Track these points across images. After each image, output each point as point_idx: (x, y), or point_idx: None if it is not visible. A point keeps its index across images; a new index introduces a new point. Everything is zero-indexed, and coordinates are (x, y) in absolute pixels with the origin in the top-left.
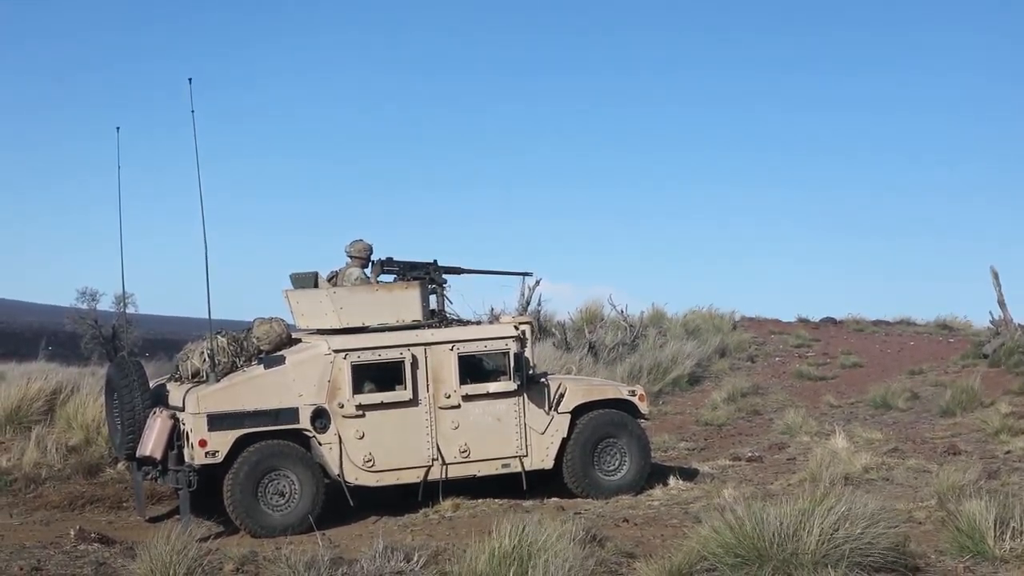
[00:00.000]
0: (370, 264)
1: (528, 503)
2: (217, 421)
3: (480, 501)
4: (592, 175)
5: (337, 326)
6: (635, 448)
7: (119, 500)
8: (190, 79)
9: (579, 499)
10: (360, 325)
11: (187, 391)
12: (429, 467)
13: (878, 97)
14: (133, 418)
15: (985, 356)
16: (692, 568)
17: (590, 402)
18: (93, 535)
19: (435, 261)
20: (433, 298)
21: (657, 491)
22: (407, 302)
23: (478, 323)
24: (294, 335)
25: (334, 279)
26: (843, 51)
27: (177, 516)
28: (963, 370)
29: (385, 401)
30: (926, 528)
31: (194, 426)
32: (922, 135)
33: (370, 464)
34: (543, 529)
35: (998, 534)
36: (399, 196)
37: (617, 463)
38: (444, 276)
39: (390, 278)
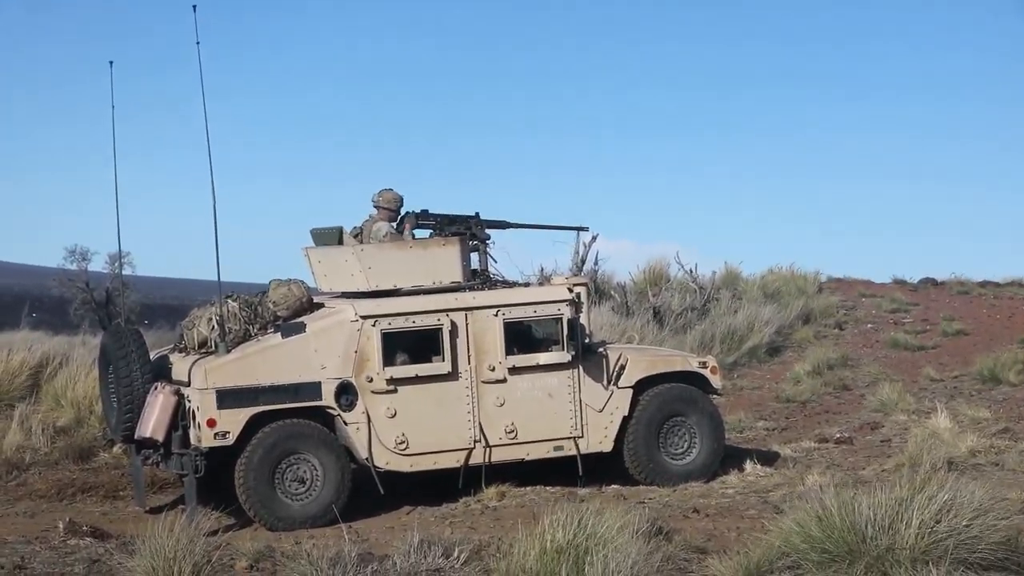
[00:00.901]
0: (400, 217)
1: (584, 491)
2: (228, 397)
3: (529, 489)
4: (653, 120)
5: (365, 288)
6: (706, 428)
7: (115, 488)
8: (194, 6)
9: (642, 486)
10: (391, 287)
11: (193, 363)
12: (471, 450)
13: (1000, 38)
14: (131, 394)
15: None
16: (772, 565)
17: (655, 375)
18: (85, 528)
19: (477, 214)
20: (475, 256)
21: (732, 477)
22: (445, 261)
23: (526, 285)
24: (316, 299)
25: (359, 235)
26: None
27: (181, 506)
28: None
29: (420, 374)
30: None
31: (201, 403)
32: None
33: (403, 447)
34: (602, 520)
35: None
36: (435, 143)
37: (686, 445)
38: (487, 231)
39: (426, 233)
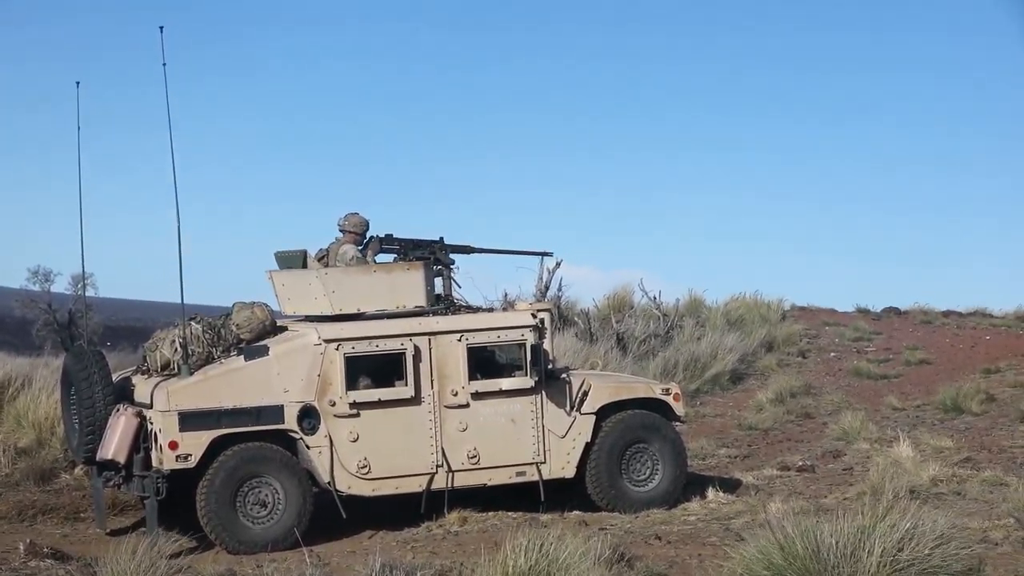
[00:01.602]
0: (365, 241)
1: (546, 517)
2: (190, 420)
3: (491, 514)
4: (617, 145)
5: (328, 312)
6: (669, 455)
7: (76, 510)
8: (161, 27)
9: (604, 512)
10: (355, 311)
11: (155, 385)
12: (433, 475)
13: (941, 66)
14: (93, 416)
15: None
16: None
17: (618, 402)
18: (46, 550)
19: (441, 239)
20: (439, 281)
21: (694, 504)
22: (409, 285)
23: (490, 310)
24: (279, 322)
25: (324, 258)
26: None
27: (143, 529)
28: None
29: (383, 399)
30: (1004, 550)
31: (163, 426)
32: (1004, 109)
33: (365, 471)
34: (564, 546)
35: None
36: (399, 166)
37: (648, 472)
38: (452, 256)
39: (390, 258)
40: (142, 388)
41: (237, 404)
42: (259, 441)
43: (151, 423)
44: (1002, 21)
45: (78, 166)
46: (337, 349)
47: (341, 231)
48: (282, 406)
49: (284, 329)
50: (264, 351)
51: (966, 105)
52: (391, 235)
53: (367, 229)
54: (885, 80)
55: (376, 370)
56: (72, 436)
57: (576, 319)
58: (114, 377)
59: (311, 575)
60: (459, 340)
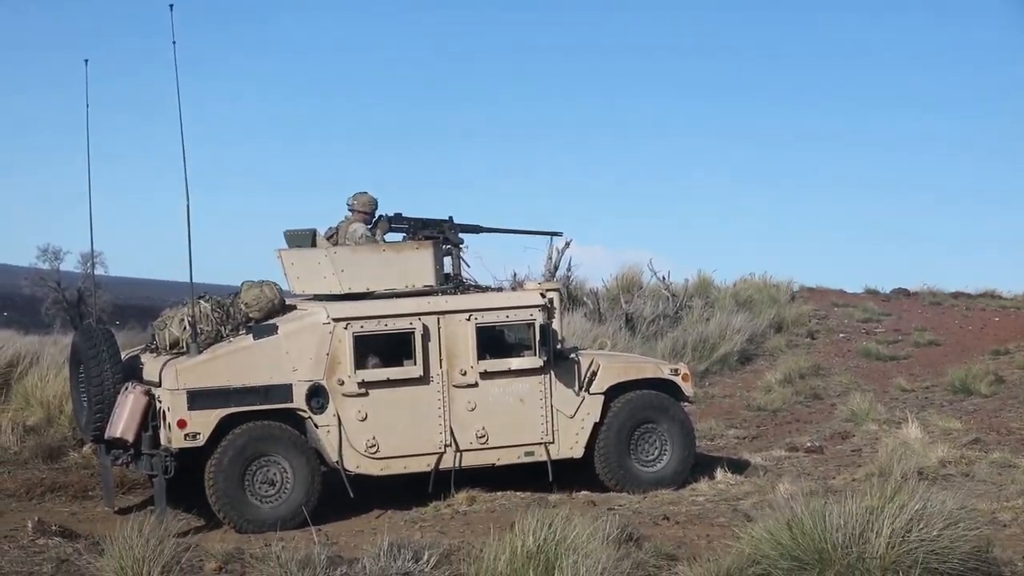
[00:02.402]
0: (374, 220)
1: (554, 497)
2: (199, 399)
3: (499, 494)
4: (627, 126)
5: (338, 291)
6: (677, 435)
7: (84, 488)
8: (171, 5)
9: (613, 493)
10: (364, 290)
11: (164, 364)
12: (441, 454)
13: (950, 47)
14: (101, 394)
15: None
16: (742, 573)
17: (626, 382)
18: (54, 528)
19: (450, 218)
20: (448, 260)
21: (702, 485)
22: (418, 264)
23: (499, 290)
24: (288, 301)
25: (333, 236)
26: None
27: (151, 507)
28: None
29: (391, 378)
30: (1012, 531)
31: (172, 404)
32: (1015, 90)
33: (374, 450)
34: (572, 526)
35: None
36: (409, 147)
37: (657, 452)
38: (461, 235)
39: (399, 237)
40: (151, 366)
41: (246, 383)
42: (267, 420)
43: (160, 401)
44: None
45: (87, 145)
46: (346, 328)
47: (350, 210)
48: (291, 385)
49: (293, 308)
50: (273, 330)
51: (976, 87)
52: (400, 214)
53: (376, 208)
54: (895, 62)
55: (385, 349)
56: (80, 414)
57: (585, 299)
58: (123, 355)
59: (319, 554)
60: (468, 320)
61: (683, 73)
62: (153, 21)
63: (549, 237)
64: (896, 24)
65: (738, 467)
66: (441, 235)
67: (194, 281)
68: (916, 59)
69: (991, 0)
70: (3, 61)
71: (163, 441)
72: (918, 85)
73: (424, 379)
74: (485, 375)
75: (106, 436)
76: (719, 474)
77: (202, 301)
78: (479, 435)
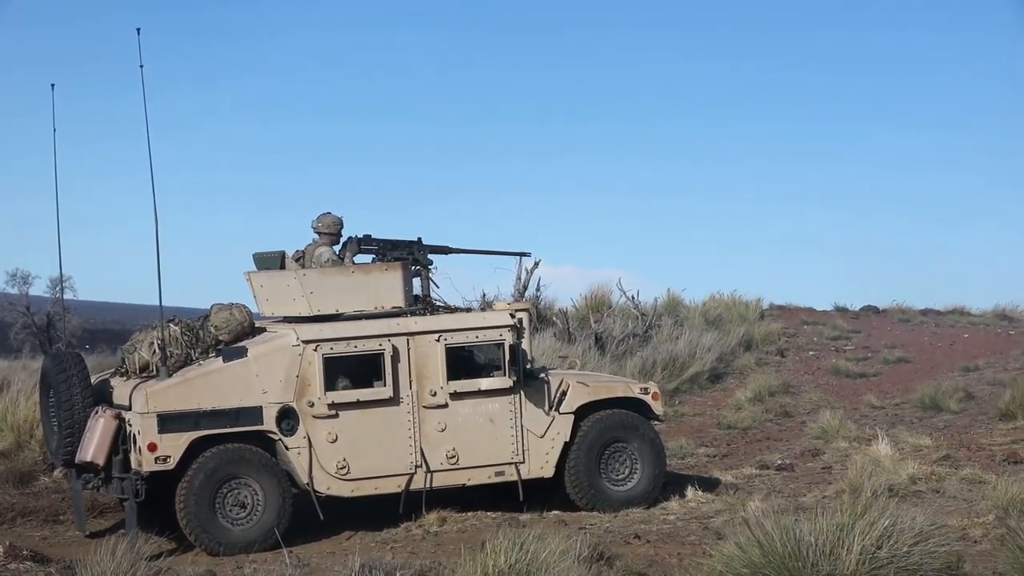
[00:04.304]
0: (340, 241)
1: (525, 516)
2: (169, 422)
3: (470, 514)
4: (595, 145)
5: (307, 313)
6: (648, 454)
7: (55, 512)
8: (138, 29)
9: (583, 512)
10: (333, 312)
11: (134, 387)
12: (412, 475)
13: (918, 64)
14: (72, 418)
15: None
16: None
17: (596, 401)
18: (25, 552)
19: (419, 239)
20: (417, 281)
21: (673, 503)
22: (387, 286)
23: (468, 310)
24: (257, 323)
25: (301, 259)
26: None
27: (122, 531)
28: None
29: (361, 399)
30: (983, 547)
31: (142, 427)
32: (984, 108)
33: (344, 471)
34: (544, 546)
35: None
36: (376, 167)
37: (627, 471)
38: (430, 256)
39: (368, 258)
40: (121, 390)
41: (216, 405)
42: (238, 442)
43: (130, 425)
44: (975, 21)
45: (54, 169)
46: (315, 350)
47: (316, 232)
48: (261, 407)
49: (262, 330)
50: (243, 352)
51: (946, 104)
52: (369, 235)
53: (342, 227)
54: (864, 80)
55: (355, 371)
56: (51, 439)
57: (554, 319)
58: (93, 379)
59: None
60: (437, 340)
61: (651, 91)
62: (120, 44)
63: (518, 258)
64: (863, 42)
65: (709, 485)
66: (410, 256)
67: (163, 304)
68: (885, 76)
69: (965, 18)
70: None
71: (134, 464)
72: (886, 102)
73: (394, 400)
74: (455, 396)
75: (77, 460)
76: (690, 492)
77: (172, 324)
78: (449, 456)
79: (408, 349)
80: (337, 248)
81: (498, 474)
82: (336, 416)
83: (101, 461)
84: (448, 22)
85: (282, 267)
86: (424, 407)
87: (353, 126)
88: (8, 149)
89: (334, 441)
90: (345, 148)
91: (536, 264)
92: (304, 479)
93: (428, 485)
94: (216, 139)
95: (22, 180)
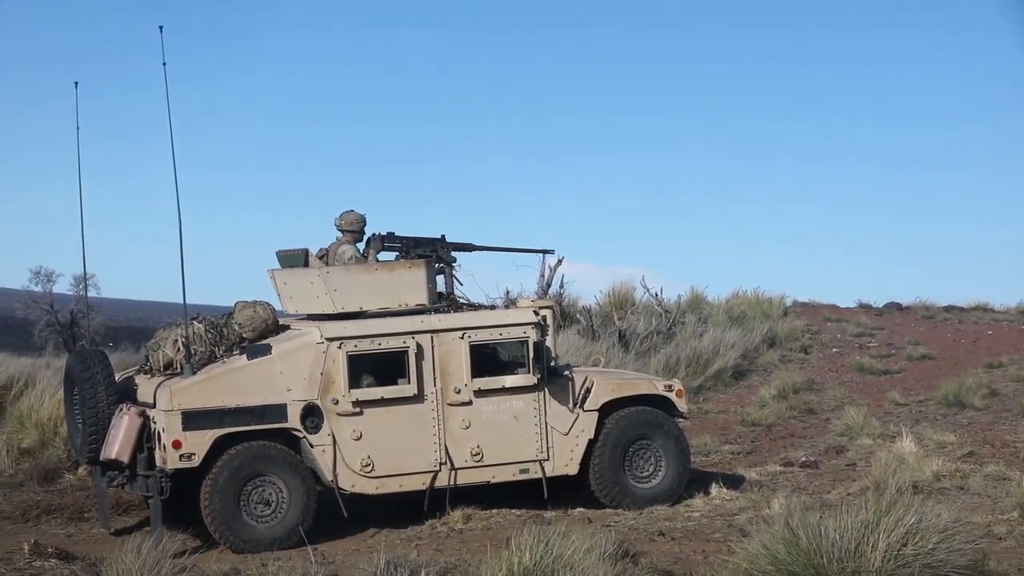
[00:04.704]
0: (364, 239)
1: (550, 514)
2: (193, 419)
3: (495, 511)
4: (617, 142)
5: (331, 311)
6: (672, 451)
7: (80, 510)
8: (161, 27)
9: (608, 509)
10: (357, 310)
11: (158, 385)
12: (436, 472)
13: (937, 60)
14: (96, 416)
15: None
16: None
17: (621, 398)
18: (50, 550)
19: (443, 237)
20: (441, 279)
21: (697, 501)
22: (411, 283)
23: (492, 308)
24: (281, 321)
25: (325, 257)
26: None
27: (147, 528)
28: None
29: (386, 397)
30: (1008, 544)
31: (167, 425)
32: (1006, 104)
33: (368, 469)
34: (568, 543)
35: None
36: (400, 167)
37: (651, 468)
38: (453, 254)
39: (392, 256)
40: (145, 388)
41: (240, 403)
42: (262, 440)
43: (154, 422)
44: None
45: (78, 166)
46: (340, 347)
47: (339, 230)
48: (285, 405)
49: (286, 328)
50: (267, 350)
51: (968, 100)
52: (393, 233)
53: (364, 225)
54: (885, 76)
55: (379, 368)
56: (75, 436)
57: (578, 316)
58: (117, 377)
59: (315, 573)
60: (462, 338)
61: (674, 88)
62: (144, 40)
63: (541, 255)
64: (888, 37)
65: (733, 482)
66: (434, 254)
67: (187, 302)
68: (909, 73)
69: (992, 16)
70: None
71: (158, 462)
72: (911, 99)
73: (418, 398)
74: (479, 393)
75: (101, 458)
76: (714, 490)
77: (196, 322)
78: (474, 453)
79: (432, 347)
80: (360, 246)
81: (522, 471)
82: (360, 414)
83: (126, 459)
84: (470, 22)
85: (306, 265)
86: (448, 404)
87: (380, 124)
88: (31, 144)
89: (358, 439)
90: (368, 148)
91: (559, 261)
92: (329, 477)
93: (452, 483)
94: (241, 136)
95: (45, 177)
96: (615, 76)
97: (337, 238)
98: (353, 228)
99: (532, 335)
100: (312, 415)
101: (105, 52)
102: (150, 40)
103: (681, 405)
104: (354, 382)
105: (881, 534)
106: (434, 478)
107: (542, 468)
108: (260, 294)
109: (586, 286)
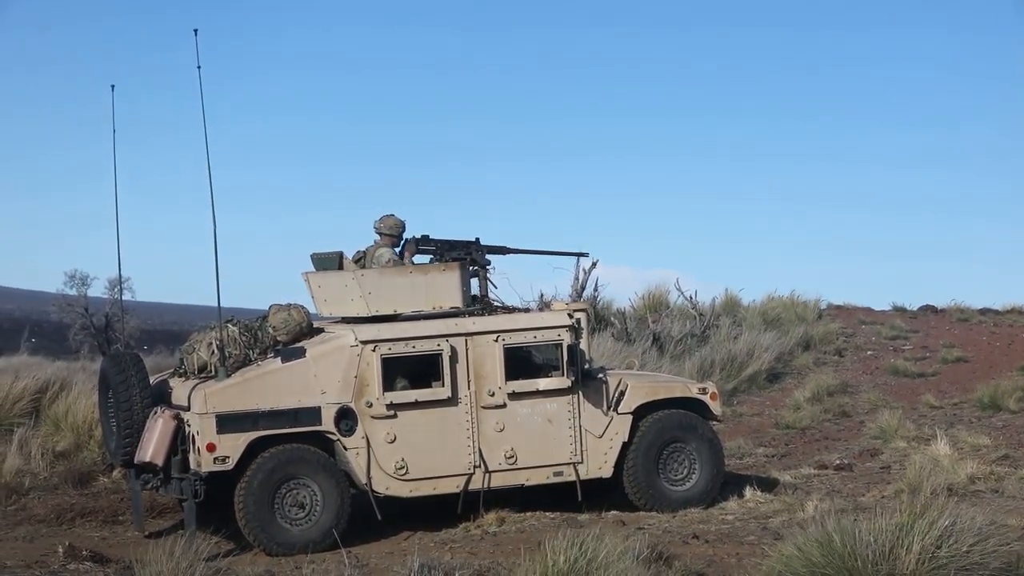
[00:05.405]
0: (402, 243)
1: (584, 516)
2: (227, 422)
3: (528, 514)
4: (653, 144)
5: (365, 313)
6: (706, 454)
7: (114, 513)
8: (195, 30)
9: (642, 512)
10: (391, 312)
11: (193, 388)
12: (470, 475)
13: (971, 61)
14: (131, 419)
15: None
16: None
17: (655, 401)
18: (84, 552)
19: (477, 239)
20: (475, 282)
21: (731, 503)
22: (445, 286)
23: (526, 311)
24: (316, 324)
25: (361, 260)
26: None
27: (181, 531)
28: None
29: (420, 400)
30: None
31: (201, 428)
32: None
33: (402, 472)
34: (602, 545)
35: None
36: (434, 169)
37: (685, 471)
38: (487, 257)
39: (426, 259)
40: (179, 391)
41: (274, 406)
42: (296, 443)
43: (188, 425)
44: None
45: (114, 169)
46: (374, 350)
47: (378, 233)
48: (319, 408)
49: (321, 331)
50: (301, 353)
51: (1001, 101)
52: (427, 236)
53: (403, 230)
54: (919, 77)
55: (413, 371)
56: (110, 439)
57: (612, 319)
58: (151, 380)
59: None
60: (496, 340)
61: (709, 90)
62: (180, 44)
63: (576, 258)
64: (923, 39)
65: (767, 485)
66: (468, 256)
67: (222, 305)
68: (944, 73)
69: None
70: (28, 82)
71: (192, 465)
72: (946, 99)
73: (452, 400)
74: (513, 396)
75: (135, 461)
76: (748, 492)
77: (230, 325)
78: (508, 456)
79: (466, 349)
80: (397, 251)
81: (556, 474)
82: (395, 416)
83: (160, 461)
84: (506, 23)
85: (340, 267)
86: (482, 407)
87: (414, 125)
88: (64, 148)
89: (392, 441)
90: (405, 147)
91: (594, 264)
92: (363, 479)
93: (486, 485)
94: (275, 136)
95: (80, 180)
96: (652, 78)
97: (375, 241)
98: (392, 232)
99: (566, 338)
100: (346, 418)
101: (141, 53)
102: (187, 40)
103: (715, 408)
104: (388, 385)
105: (915, 537)
106: (468, 481)
107: (576, 471)
108: (294, 297)
109: (620, 289)
